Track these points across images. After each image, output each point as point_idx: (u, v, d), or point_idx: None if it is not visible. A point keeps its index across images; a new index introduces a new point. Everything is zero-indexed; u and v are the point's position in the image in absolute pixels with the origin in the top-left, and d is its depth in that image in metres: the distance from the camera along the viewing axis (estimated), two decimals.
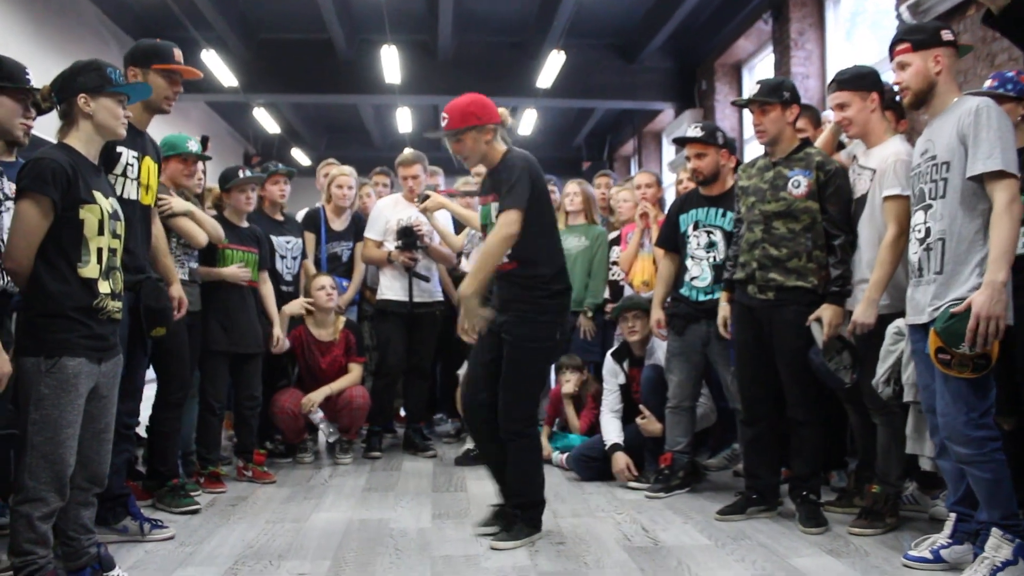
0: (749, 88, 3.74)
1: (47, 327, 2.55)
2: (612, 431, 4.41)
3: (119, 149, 3.15)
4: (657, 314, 4.25)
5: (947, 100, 2.92)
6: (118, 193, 3.09)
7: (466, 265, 5.10)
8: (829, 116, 3.86)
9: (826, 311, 3.41)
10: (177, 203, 3.95)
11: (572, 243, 5.08)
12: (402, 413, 5.65)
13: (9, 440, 2.92)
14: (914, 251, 2.95)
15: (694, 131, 4.07)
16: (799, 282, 3.49)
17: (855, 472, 3.82)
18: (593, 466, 4.44)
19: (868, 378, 3.31)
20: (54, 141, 2.75)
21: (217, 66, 9.82)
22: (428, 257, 5.17)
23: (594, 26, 10.46)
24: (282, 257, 5.00)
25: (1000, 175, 2.69)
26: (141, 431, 4.13)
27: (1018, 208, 2.69)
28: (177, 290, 3.71)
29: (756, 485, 3.70)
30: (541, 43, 10.41)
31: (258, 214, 4.84)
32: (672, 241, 4.23)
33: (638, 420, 4.40)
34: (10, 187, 2.94)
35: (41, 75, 2.90)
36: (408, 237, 5.03)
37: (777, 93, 3.57)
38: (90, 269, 2.62)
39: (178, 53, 3.42)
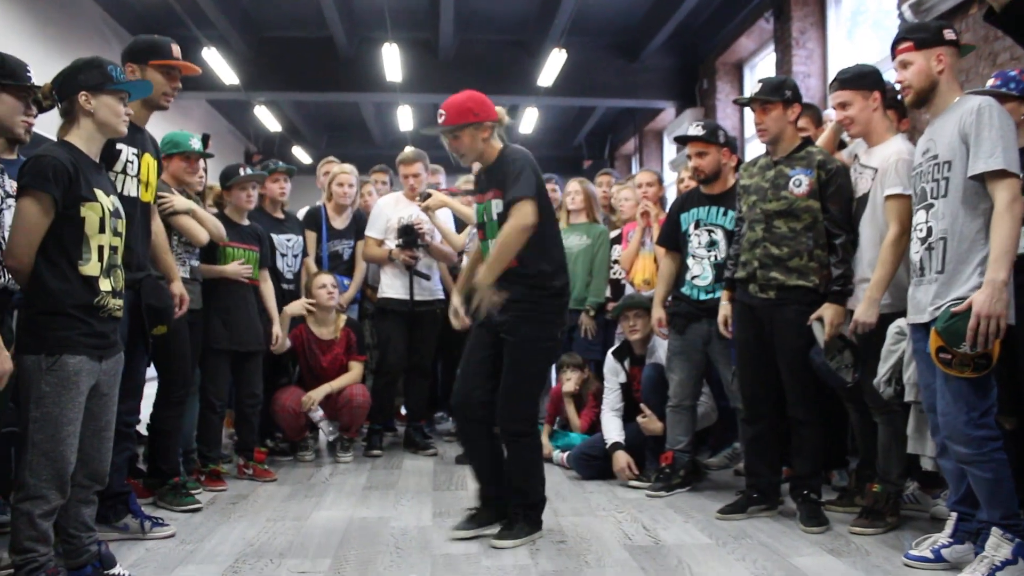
0: (750, 87, 3.73)
1: (48, 325, 2.55)
2: (613, 430, 4.41)
3: (119, 146, 3.15)
4: (658, 313, 4.24)
5: (949, 99, 2.92)
6: (118, 190, 3.09)
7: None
8: (831, 115, 3.85)
9: (827, 310, 3.41)
10: (179, 201, 3.95)
11: (574, 242, 5.08)
12: (403, 411, 5.65)
13: (10, 438, 2.92)
14: (915, 250, 2.94)
15: (695, 129, 4.06)
16: (800, 281, 3.49)
17: (856, 471, 3.82)
18: (594, 465, 4.44)
19: (869, 377, 3.31)
20: (55, 139, 2.75)
21: (218, 64, 9.83)
22: (429, 255, 5.17)
23: (595, 24, 10.45)
24: (283, 255, 4.99)
25: (1001, 174, 2.69)
26: (142, 429, 4.13)
27: (1019, 207, 2.68)
28: (178, 287, 3.71)
29: (757, 484, 3.70)
30: (542, 41, 10.41)
31: (259, 212, 4.83)
32: (673, 240, 4.22)
33: (639, 419, 4.39)
34: (11, 185, 2.93)
35: (43, 73, 2.89)
36: (409, 235, 5.03)
37: (779, 92, 3.56)
38: (91, 267, 2.62)
39: (175, 48, 3.39)
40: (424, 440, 5.27)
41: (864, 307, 3.26)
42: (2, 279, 2.85)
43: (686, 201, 4.21)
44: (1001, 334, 2.66)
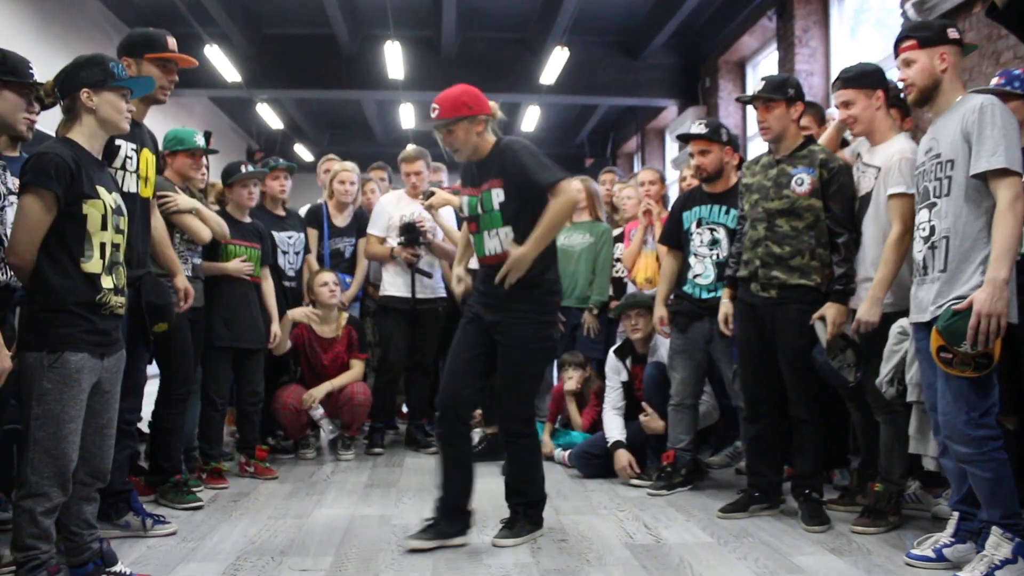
0: (753, 85, 3.73)
1: (50, 322, 2.55)
2: (614, 428, 4.41)
3: (117, 142, 3.13)
4: (660, 311, 4.24)
5: (952, 98, 2.91)
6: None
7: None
8: (834, 114, 3.85)
9: (829, 310, 3.40)
10: (183, 201, 3.95)
11: (576, 240, 5.08)
12: (404, 409, 5.65)
13: (12, 435, 2.92)
14: (918, 249, 2.94)
15: (698, 128, 4.06)
16: (802, 280, 3.48)
17: (858, 470, 3.82)
18: (595, 463, 4.44)
19: (871, 377, 3.30)
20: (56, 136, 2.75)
21: (220, 61, 9.83)
22: (431, 253, 5.17)
23: (598, 23, 10.45)
24: (284, 252, 4.98)
25: (1004, 173, 2.68)
26: (144, 427, 4.13)
27: (1021, 206, 2.67)
28: (182, 281, 3.71)
29: (758, 483, 3.70)
30: (545, 39, 10.41)
31: (260, 209, 4.82)
32: (675, 238, 4.22)
33: (641, 417, 4.39)
34: (13, 182, 2.93)
35: (45, 70, 2.89)
36: (411, 233, 5.03)
37: (782, 90, 3.56)
38: (93, 264, 2.62)
39: (171, 41, 3.36)
40: (425, 438, 5.26)
41: (867, 306, 3.25)
42: (4, 276, 2.85)
43: (688, 199, 4.21)
44: (1002, 332, 2.66)
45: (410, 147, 5.37)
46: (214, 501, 3.93)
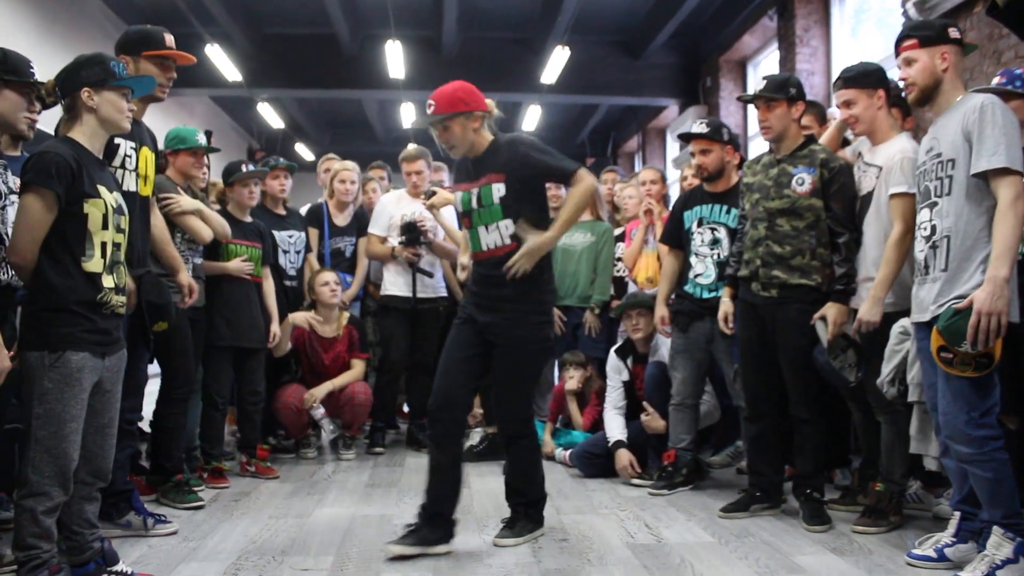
0: (754, 84, 3.73)
1: (51, 321, 2.55)
2: (615, 428, 4.41)
3: (116, 140, 3.12)
4: (661, 311, 4.23)
5: (952, 97, 2.91)
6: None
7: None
8: (835, 113, 3.84)
9: (830, 309, 3.40)
10: (186, 202, 3.95)
11: (578, 239, 5.07)
12: (405, 409, 5.65)
13: (13, 434, 2.92)
14: (920, 249, 2.94)
15: (699, 127, 4.06)
16: (803, 280, 3.48)
17: (859, 470, 3.81)
18: (596, 463, 4.44)
19: (872, 377, 3.30)
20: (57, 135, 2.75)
21: (221, 61, 9.83)
22: (432, 253, 5.16)
23: (598, 22, 10.44)
24: (284, 252, 4.97)
25: (1004, 172, 2.68)
26: (145, 426, 4.14)
27: (1022, 205, 2.67)
28: (185, 277, 3.71)
29: (760, 483, 3.70)
30: (545, 39, 10.40)
31: (260, 208, 4.81)
32: (676, 238, 4.22)
33: (642, 417, 4.39)
34: (15, 181, 2.93)
35: (46, 69, 2.90)
36: (412, 233, 5.03)
37: (783, 89, 3.55)
38: (94, 263, 2.62)
39: (169, 38, 3.34)
40: (426, 438, 5.26)
41: (868, 306, 3.25)
42: (5, 275, 2.85)
43: (689, 199, 4.21)
44: (1002, 332, 2.65)
45: (411, 146, 5.37)
46: (215, 501, 3.94)
